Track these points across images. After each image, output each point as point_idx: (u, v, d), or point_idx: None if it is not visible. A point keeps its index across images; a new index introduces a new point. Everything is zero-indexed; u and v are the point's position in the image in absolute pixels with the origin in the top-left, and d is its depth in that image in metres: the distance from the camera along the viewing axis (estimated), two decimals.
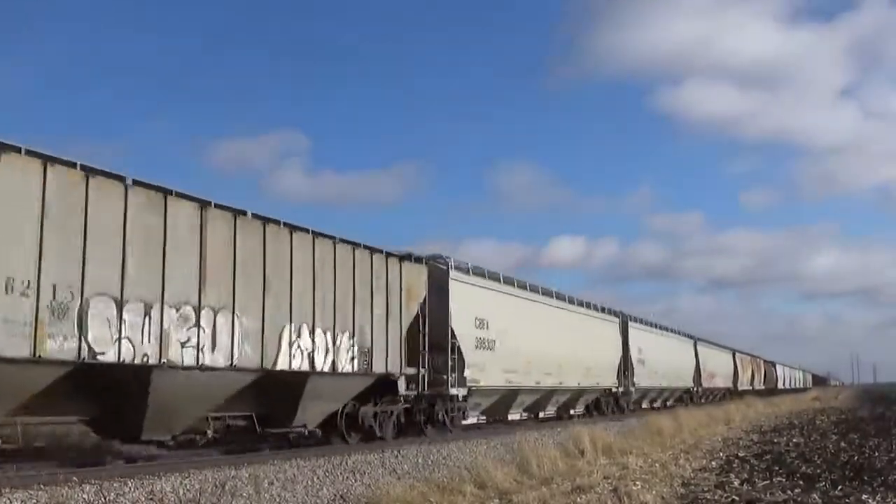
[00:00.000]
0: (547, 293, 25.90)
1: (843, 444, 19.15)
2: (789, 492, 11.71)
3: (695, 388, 45.74)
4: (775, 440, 21.31)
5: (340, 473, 12.12)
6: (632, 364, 33.62)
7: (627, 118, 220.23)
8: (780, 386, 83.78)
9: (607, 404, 31.75)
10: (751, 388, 63.08)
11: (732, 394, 54.71)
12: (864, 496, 11.19)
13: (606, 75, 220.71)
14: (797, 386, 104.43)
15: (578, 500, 10.77)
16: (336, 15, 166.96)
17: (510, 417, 23.89)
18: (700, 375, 46.65)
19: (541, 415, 26.34)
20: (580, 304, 28.99)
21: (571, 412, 28.29)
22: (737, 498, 11.22)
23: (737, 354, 60.56)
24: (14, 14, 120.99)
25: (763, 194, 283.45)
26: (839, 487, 12.01)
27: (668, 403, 40.95)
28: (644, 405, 37.59)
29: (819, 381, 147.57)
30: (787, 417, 34.40)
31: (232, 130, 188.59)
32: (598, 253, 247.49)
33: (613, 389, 31.88)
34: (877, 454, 16.62)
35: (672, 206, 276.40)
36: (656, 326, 40.16)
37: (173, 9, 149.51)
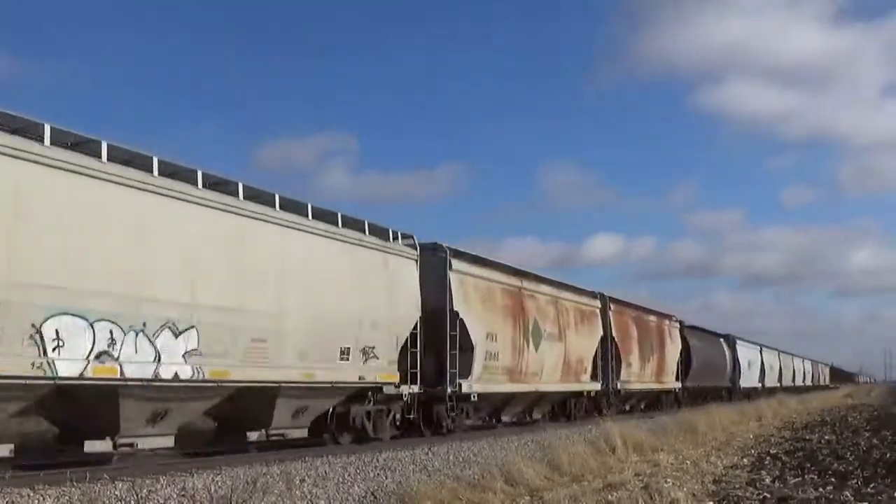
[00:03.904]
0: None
1: (875, 441, 18.93)
2: (821, 489, 11.60)
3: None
4: (807, 437, 21.11)
5: (371, 470, 12.17)
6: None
7: (670, 117, 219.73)
8: (743, 383, 46.81)
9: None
10: (614, 389, 27.60)
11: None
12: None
13: (649, 74, 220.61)
14: (798, 382, 68.42)
15: (610, 497, 10.73)
16: (382, 14, 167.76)
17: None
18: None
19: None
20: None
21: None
22: (768, 495, 11.14)
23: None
24: (64, 17, 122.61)
25: (804, 191, 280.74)
26: (871, 485, 11.89)
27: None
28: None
29: (843, 376, 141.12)
30: (819, 414, 34.08)
31: (279, 131, 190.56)
32: (636, 251, 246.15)
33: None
34: None
35: (714, 203, 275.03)
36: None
37: (217, 11, 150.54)
